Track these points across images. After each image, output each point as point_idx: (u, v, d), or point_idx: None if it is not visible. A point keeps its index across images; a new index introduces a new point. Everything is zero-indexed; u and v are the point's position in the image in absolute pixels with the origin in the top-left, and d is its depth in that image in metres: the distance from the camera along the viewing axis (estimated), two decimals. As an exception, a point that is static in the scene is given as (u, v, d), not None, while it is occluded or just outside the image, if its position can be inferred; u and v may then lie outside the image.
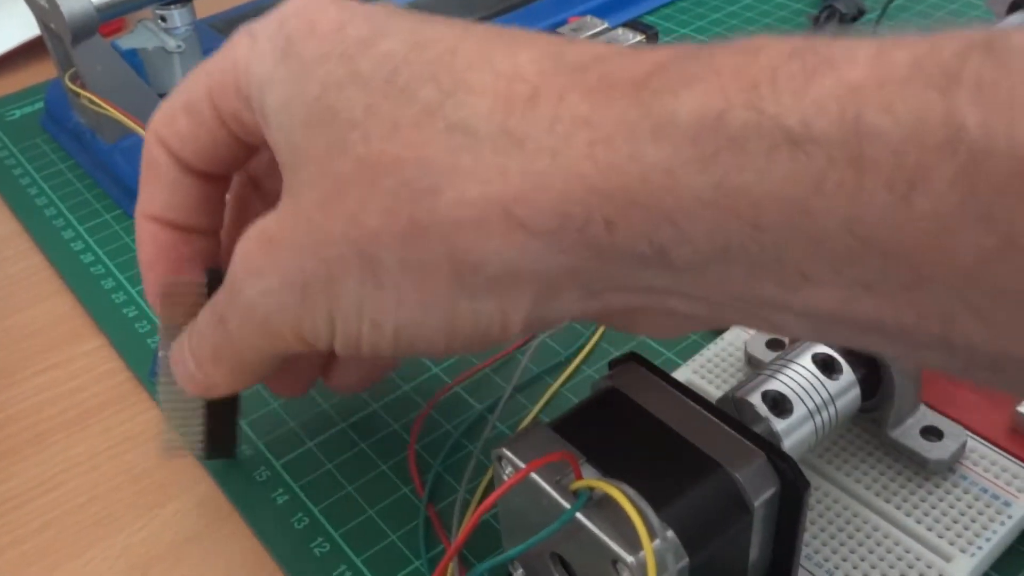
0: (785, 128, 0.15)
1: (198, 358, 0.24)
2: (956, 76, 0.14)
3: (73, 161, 0.45)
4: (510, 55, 0.18)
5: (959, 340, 0.15)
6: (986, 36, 0.14)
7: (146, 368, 0.33)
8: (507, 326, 0.19)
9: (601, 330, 0.33)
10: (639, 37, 0.44)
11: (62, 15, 0.38)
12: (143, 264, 0.26)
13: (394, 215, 0.18)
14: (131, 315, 0.36)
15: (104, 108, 0.40)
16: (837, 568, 0.24)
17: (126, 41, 0.43)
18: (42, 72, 0.53)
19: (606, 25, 0.45)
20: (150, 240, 0.25)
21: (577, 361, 0.32)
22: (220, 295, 0.23)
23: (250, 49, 0.22)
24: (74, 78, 0.41)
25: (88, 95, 0.40)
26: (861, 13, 0.47)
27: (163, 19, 0.43)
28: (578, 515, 0.20)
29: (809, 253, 0.16)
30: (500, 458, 0.22)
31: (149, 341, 0.34)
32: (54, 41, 0.41)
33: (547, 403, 0.31)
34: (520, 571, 0.24)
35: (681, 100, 0.16)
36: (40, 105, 0.49)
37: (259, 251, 0.21)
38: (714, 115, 0.15)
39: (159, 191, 0.25)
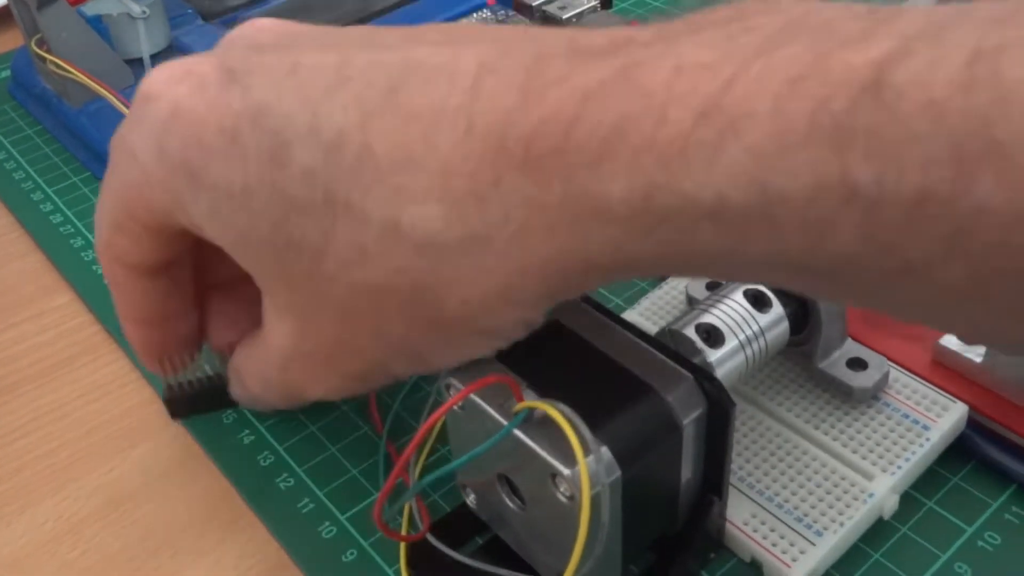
0: (703, 206, 0.17)
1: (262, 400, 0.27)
2: (850, 130, 0.15)
3: (41, 126, 0.46)
4: (429, 146, 0.19)
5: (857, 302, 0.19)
6: (876, 75, 0.15)
7: (115, 321, 0.34)
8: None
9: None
10: (594, 2, 0.45)
11: (27, -20, 0.39)
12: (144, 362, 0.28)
13: (413, 324, 0.21)
14: (100, 272, 0.37)
15: (70, 72, 0.40)
16: (768, 488, 0.26)
17: (91, 7, 0.44)
18: (8, 40, 0.53)
19: (561, -11, 0.46)
20: (142, 342, 0.28)
21: (530, 308, 0.33)
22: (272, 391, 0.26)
23: (144, 176, 0.22)
24: (40, 43, 0.42)
25: (54, 59, 0.41)
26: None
27: (127, -15, 0.44)
28: (518, 432, 0.21)
29: (744, 270, 0.19)
30: (448, 386, 0.23)
31: (118, 296, 0.36)
32: (20, 7, 0.42)
33: (501, 347, 0.32)
34: (472, 496, 0.25)
35: (608, 185, 0.18)
36: (7, 73, 0.50)
37: (303, 368, 0.24)
38: (641, 198, 0.17)
39: (134, 301, 0.27)
